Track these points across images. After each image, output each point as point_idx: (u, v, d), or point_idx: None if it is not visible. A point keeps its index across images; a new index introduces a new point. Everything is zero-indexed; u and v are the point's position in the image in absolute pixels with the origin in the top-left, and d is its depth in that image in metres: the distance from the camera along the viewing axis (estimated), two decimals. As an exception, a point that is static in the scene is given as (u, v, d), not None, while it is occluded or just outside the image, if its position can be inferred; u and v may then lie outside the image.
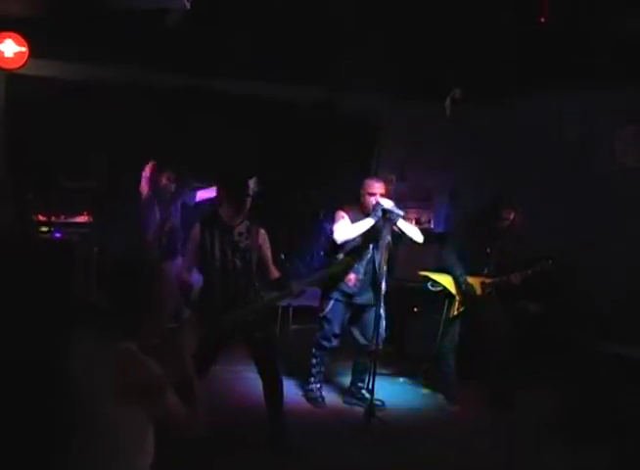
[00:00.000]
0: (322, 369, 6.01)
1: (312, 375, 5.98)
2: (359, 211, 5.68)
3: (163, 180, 6.92)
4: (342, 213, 5.71)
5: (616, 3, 5.47)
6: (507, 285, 6.04)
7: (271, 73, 7.59)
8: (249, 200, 4.74)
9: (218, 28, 6.39)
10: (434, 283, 6.18)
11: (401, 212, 5.50)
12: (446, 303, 6.12)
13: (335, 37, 6.03)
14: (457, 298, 6.03)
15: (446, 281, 6.09)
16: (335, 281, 5.70)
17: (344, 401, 6.04)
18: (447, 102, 7.72)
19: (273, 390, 4.87)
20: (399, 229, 5.64)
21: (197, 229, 4.78)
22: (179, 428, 2.60)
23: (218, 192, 4.96)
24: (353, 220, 5.62)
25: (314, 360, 5.98)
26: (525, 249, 6.30)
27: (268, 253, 4.89)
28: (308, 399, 5.96)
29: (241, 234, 4.72)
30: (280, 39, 6.43)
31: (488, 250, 6.05)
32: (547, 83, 6.92)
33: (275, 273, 4.90)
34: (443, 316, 6.14)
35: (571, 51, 6.22)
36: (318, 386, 5.98)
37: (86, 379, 2.43)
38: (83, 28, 6.30)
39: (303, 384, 6.15)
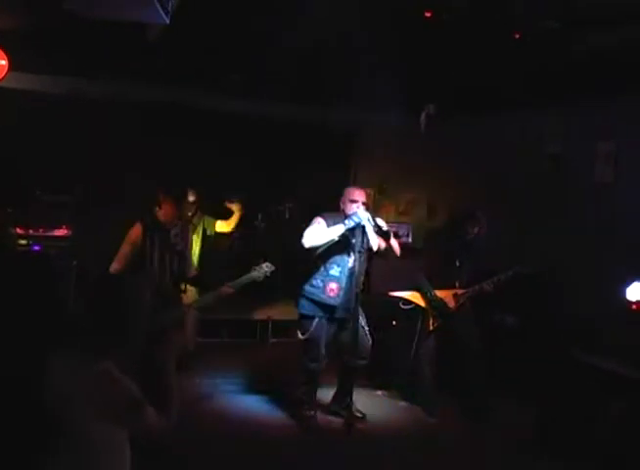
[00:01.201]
0: (314, 396, 5.75)
1: (304, 402, 5.71)
2: (341, 218, 5.45)
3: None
4: (318, 219, 5.50)
5: (592, 19, 5.54)
6: (480, 294, 6.10)
7: (250, 89, 7.64)
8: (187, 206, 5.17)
9: (199, 44, 6.41)
10: (406, 302, 6.23)
11: (375, 241, 5.38)
12: (420, 318, 6.17)
13: (314, 53, 6.06)
14: (430, 313, 6.10)
15: (417, 298, 6.16)
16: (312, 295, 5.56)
17: (330, 412, 5.88)
18: (422, 117, 7.80)
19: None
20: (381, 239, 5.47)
21: (138, 230, 4.82)
22: (152, 437, 2.64)
23: (161, 196, 5.04)
24: (330, 225, 5.42)
25: (304, 388, 5.70)
26: (503, 262, 6.35)
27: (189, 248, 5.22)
28: (302, 428, 5.65)
29: (176, 235, 4.90)
30: (260, 55, 6.45)
31: (458, 263, 6.13)
32: (527, 99, 6.99)
33: (193, 271, 5.15)
34: (418, 330, 6.18)
35: (551, 66, 6.29)
36: (312, 413, 5.70)
37: (64, 397, 2.43)
38: (63, 42, 6.30)
39: (286, 403, 6.02)
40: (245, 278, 5.12)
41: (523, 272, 6.07)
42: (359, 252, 5.25)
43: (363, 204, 5.49)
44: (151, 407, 2.51)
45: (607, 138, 6.79)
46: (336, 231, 5.31)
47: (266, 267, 5.17)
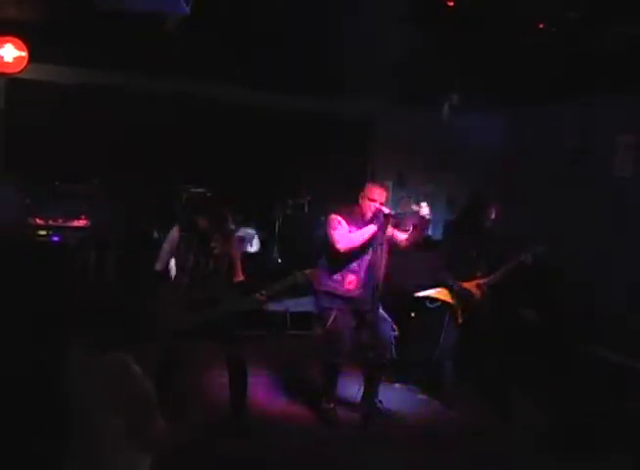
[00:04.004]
0: (335, 388, 5.72)
1: (324, 395, 5.72)
2: (356, 214, 5.45)
3: None
4: (337, 219, 5.42)
5: (614, 12, 5.48)
6: (501, 280, 6.04)
7: (266, 81, 7.62)
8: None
9: (217, 35, 6.40)
10: (432, 300, 6.19)
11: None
12: (447, 313, 6.11)
13: (330, 43, 6.03)
14: (459, 307, 6.06)
15: (444, 294, 6.13)
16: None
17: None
18: (445, 108, 7.74)
19: (239, 381, 5.12)
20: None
21: (176, 233, 5.11)
22: (154, 445, 2.57)
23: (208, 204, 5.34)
24: (350, 223, 5.41)
25: (325, 379, 5.73)
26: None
27: (237, 256, 5.24)
28: (323, 420, 5.65)
29: (217, 241, 5.07)
30: (276, 46, 6.44)
31: (476, 253, 6.09)
32: (547, 91, 6.94)
33: (240, 276, 5.17)
34: (445, 324, 6.12)
35: (572, 59, 6.23)
36: (331, 406, 5.69)
37: (78, 387, 2.41)
38: (82, 33, 6.32)
39: (305, 396, 6.03)
40: (286, 282, 5.09)
41: (535, 252, 5.99)
42: (380, 244, 5.29)
43: (381, 204, 5.41)
44: (159, 415, 2.45)
45: (627, 131, 6.74)
46: (368, 231, 5.35)
47: (301, 276, 5.13)
